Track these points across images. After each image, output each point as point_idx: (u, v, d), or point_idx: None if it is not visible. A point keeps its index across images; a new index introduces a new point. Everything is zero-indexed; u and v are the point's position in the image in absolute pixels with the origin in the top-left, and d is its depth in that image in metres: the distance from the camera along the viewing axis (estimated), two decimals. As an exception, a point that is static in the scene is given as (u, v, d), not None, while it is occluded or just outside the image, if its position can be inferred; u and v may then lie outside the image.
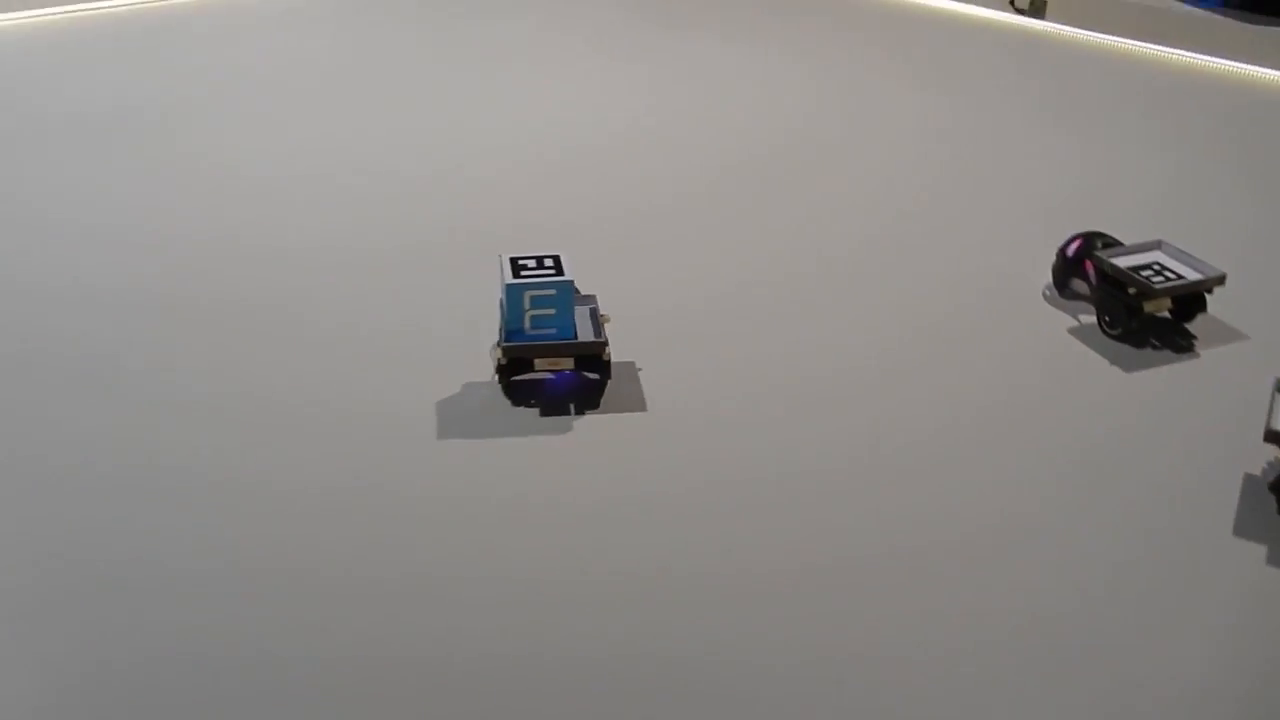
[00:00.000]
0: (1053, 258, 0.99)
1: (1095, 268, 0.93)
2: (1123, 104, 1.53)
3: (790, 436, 0.85)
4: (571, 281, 0.88)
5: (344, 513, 0.77)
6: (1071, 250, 0.96)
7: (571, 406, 0.90)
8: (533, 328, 0.87)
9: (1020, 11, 1.88)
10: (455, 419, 0.85)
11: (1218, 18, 1.76)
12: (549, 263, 0.88)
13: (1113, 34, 1.77)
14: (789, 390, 0.91)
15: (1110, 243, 0.96)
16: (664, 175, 1.28)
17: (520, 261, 0.89)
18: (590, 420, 0.88)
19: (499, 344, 0.88)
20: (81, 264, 1.01)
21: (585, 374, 0.91)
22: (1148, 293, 0.89)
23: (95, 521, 0.74)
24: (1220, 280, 0.91)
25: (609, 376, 0.91)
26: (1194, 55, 1.69)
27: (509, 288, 0.86)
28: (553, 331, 0.88)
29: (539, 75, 1.57)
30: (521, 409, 0.88)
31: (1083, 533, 0.73)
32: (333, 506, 0.77)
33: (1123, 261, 0.92)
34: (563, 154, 1.32)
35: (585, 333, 0.90)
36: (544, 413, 0.89)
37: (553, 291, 0.86)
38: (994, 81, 1.65)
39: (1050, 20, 1.84)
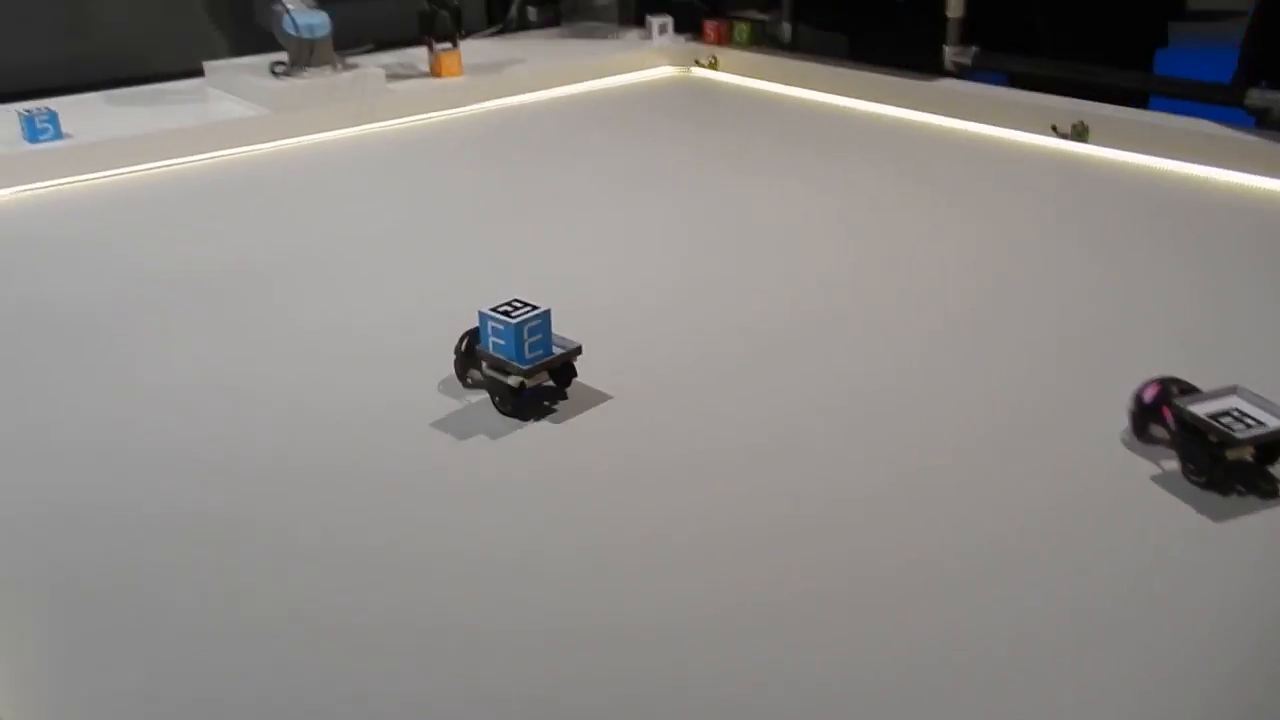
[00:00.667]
0: (1126, 399, 1.01)
1: (1174, 415, 0.94)
2: (1181, 230, 1.56)
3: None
4: (549, 309, 1.04)
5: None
6: (1148, 397, 0.98)
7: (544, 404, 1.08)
8: (530, 354, 1.04)
9: (1063, 136, 1.92)
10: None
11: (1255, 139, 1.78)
12: (518, 303, 1.04)
13: (1156, 155, 1.81)
14: (841, 506, 0.92)
15: (1186, 388, 0.98)
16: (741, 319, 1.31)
17: (502, 309, 1.04)
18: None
19: (508, 375, 1.04)
20: (203, 428, 1.05)
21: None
22: (1230, 441, 0.90)
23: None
24: (1301, 425, 0.92)
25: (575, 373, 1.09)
26: (1240, 174, 1.73)
27: (514, 328, 1.02)
28: (541, 353, 1.04)
29: (611, 218, 1.63)
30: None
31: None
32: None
33: (1201, 409, 0.93)
34: (639, 297, 1.36)
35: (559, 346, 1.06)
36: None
37: (539, 320, 1.03)
38: (1040, 207, 1.69)
39: (1094, 144, 1.89)
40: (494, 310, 1.03)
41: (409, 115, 2.17)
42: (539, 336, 1.05)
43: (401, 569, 0.87)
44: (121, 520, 0.94)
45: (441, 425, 1.06)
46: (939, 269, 1.43)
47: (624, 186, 1.81)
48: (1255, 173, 1.69)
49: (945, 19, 2.14)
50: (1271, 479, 0.93)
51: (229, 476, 0.99)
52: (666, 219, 1.65)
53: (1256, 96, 1.86)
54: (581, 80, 2.40)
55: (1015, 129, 1.97)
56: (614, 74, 2.44)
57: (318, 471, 1.00)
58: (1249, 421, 0.92)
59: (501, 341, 1.04)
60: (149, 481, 0.99)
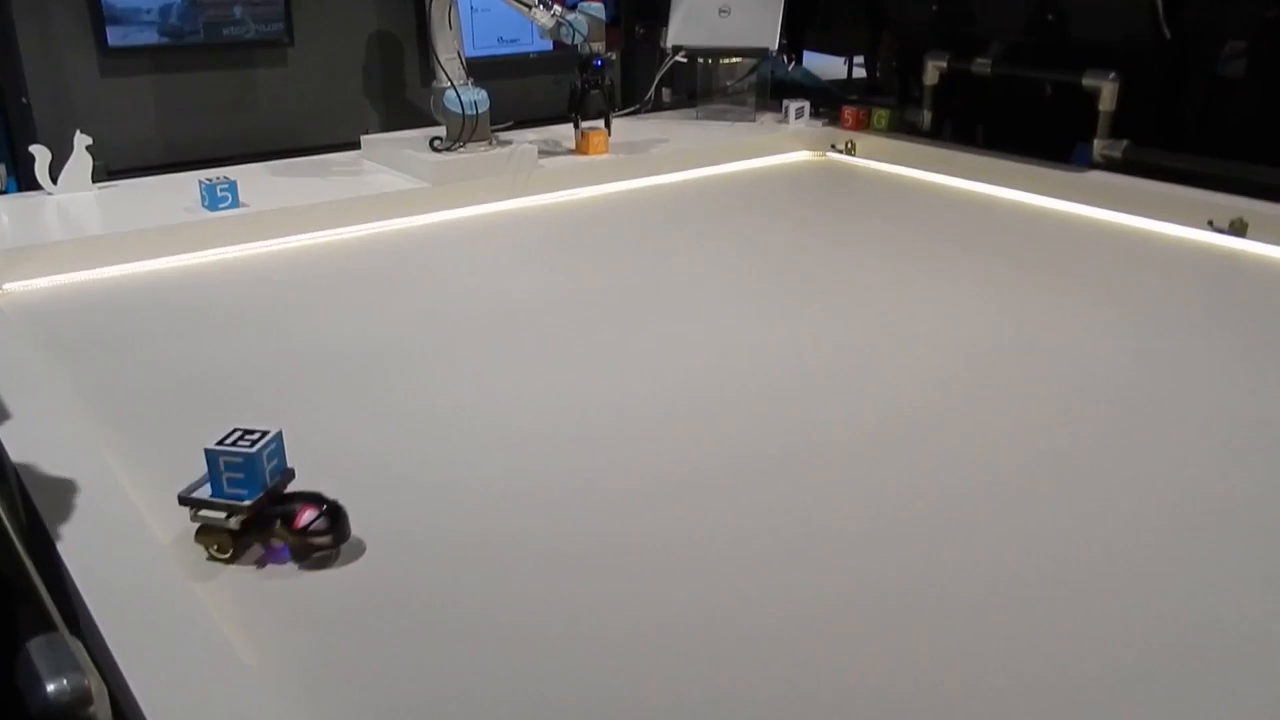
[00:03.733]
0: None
1: None
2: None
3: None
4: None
5: None
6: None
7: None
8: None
9: (1220, 231, 1.91)
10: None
11: None
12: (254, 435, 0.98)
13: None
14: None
15: None
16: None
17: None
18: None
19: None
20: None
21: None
22: None
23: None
24: None
25: None
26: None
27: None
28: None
29: (746, 306, 1.65)
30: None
31: None
32: None
33: None
34: (783, 382, 1.36)
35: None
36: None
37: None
38: (1195, 303, 1.67)
39: (1252, 239, 1.87)
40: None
41: (556, 191, 2.24)
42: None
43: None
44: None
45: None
46: (1087, 364, 1.42)
47: (761, 270, 1.84)
48: None
49: (1091, 111, 2.15)
50: None
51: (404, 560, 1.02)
52: (799, 308, 1.67)
53: None
54: (720, 162, 2.45)
55: (1168, 222, 1.95)
56: (752, 157, 2.49)
57: (504, 549, 1.03)
58: None
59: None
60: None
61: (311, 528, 0.97)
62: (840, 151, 2.51)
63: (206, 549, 0.99)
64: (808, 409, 1.30)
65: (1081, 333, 1.52)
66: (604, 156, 2.32)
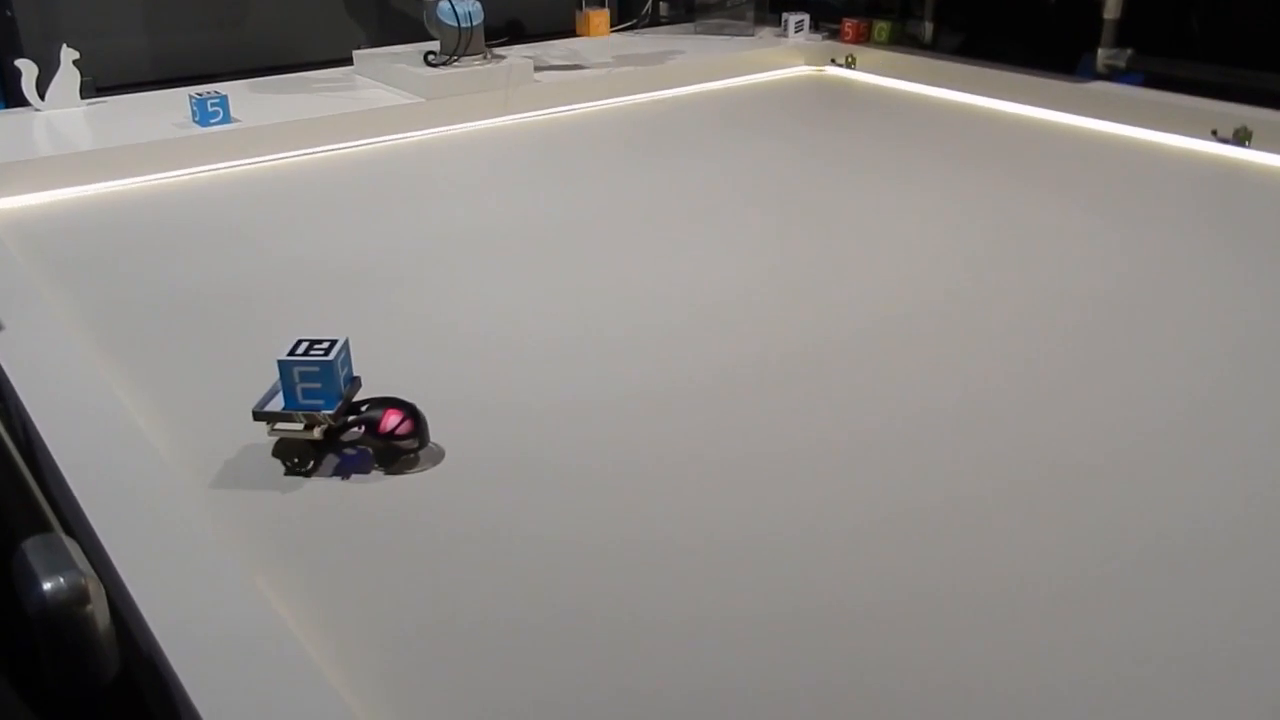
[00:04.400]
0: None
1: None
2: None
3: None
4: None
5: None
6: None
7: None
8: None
9: (1224, 141, 1.88)
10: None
11: None
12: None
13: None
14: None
15: None
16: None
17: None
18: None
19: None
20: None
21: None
22: None
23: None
24: None
25: None
26: None
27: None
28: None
29: (740, 220, 1.64)
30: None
31: None
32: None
33: None
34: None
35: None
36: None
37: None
38: (1198, 213, 1.65)
39: (1256, 148, 1.85)
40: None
41: (551, 107, 2.21)
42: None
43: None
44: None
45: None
46: (1078, 274, 1.41)
47: (752, 187, 1.82)
48: None
49: (1095, 20, 2.11)
50: None
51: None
52: (789, 223, 1.66)
53: None
54: (717, 78, 2.41)
55: (1171, 133, 1.93)
56: (750, 72, 2.45)
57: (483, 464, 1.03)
58: None
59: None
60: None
61: (398, 431, 0.95)
62: (840, 65, 2.47)
63: (285, 463, 0.97)
64: (798, 319, 1.30)
65: (1075, 243, 1.51)
66: (601, 72, 2.29)
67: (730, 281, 1.41)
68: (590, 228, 1.61)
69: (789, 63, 2.51)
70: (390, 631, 0.79)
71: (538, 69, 2.27)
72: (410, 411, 0.96)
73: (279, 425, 0.95)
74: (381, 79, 2.23)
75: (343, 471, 0.97)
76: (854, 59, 2.45)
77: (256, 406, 0.96)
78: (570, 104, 2.23)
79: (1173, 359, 1.18)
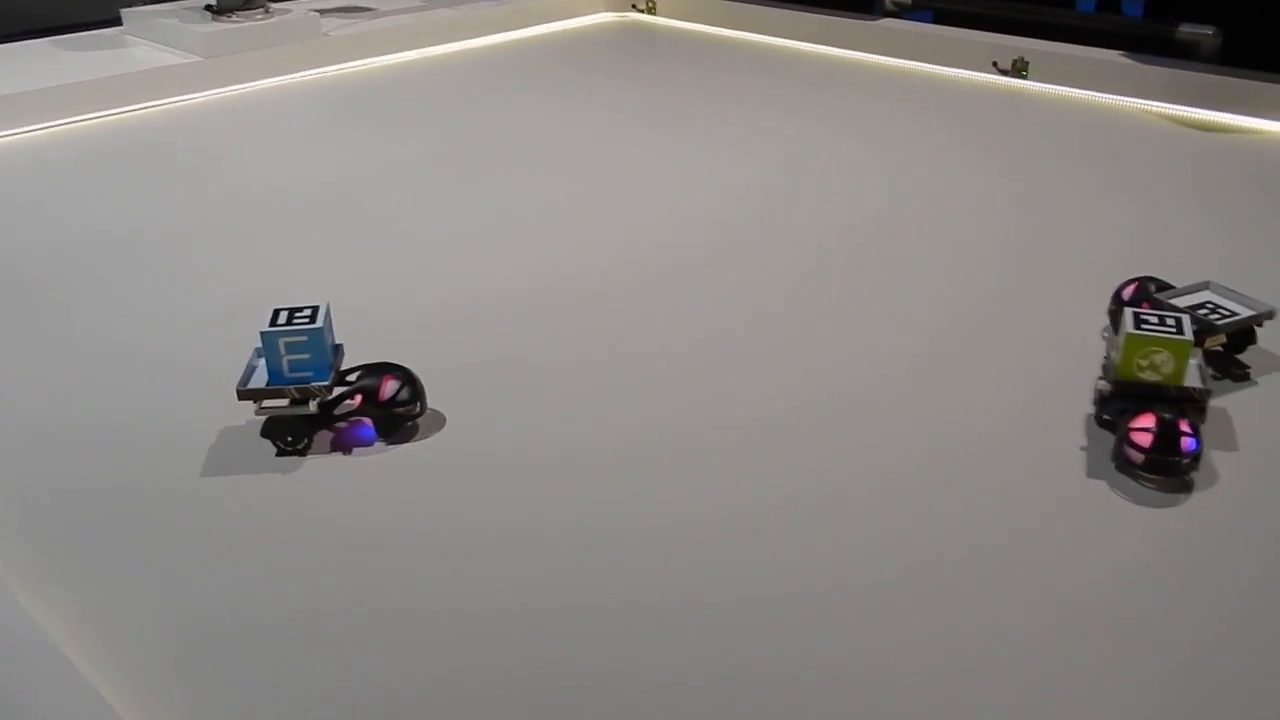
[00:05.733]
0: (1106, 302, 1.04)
1: (1154, 309, 0.97)
2: (1122, 158, 1.60)
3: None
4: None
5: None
6: (1127, 294, 1.01)
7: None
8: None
9: (1004, 73, 1.95)
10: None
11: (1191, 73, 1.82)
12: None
13: (1092, 89, 1.85)
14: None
15: (1161, 285, 1.00)
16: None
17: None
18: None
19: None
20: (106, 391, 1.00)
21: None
22: (1209, 329, 0.93)
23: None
24: (1270, 315, 0.95)
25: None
26: (1174, 106, 1.78)
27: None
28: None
29: (554, 163, 1.61)
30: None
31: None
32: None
33: (1179, 302, 0.96)
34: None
35: None
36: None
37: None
38: (982, 140, 1.71)
39: (1033, 79, 1.93)
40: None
41: (343, 62, 2.11)
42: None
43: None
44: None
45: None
46: (854, 202, 1.45)
47: (550, 134, 1.79)
48: (1189, 104, 1.75)
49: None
50: (1242, 364, 0.96)
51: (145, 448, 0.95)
52: (581, 165, 1.64)
53: (1185, 31, 1.91)
54: (517, 27, 2.36)
55: (957, 67, 1.99)
56: (553, 20, 2.40)
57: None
58: (1222, 312, 0.95)
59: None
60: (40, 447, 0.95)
61: (398, 398, 0.88)
62: (640, 10, 2.45)
63: (276, 443, 0.87)
64: (569, 250, 1.30)
65: (853, 175, 1.54)
66: (392, 23, 2.20)
67: (505, 226, 1.39)
68: (386, 184, 1.55)
69: (589, 9, 2.47)
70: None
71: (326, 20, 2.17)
72: (407, 376, 0.89)
73: (267, 403, 0.86)
74: (155, 38, 2.08)
75: (344, 447, 0.89)
76: (654, 4, 2.43)
77: (239, 384, 0.86)
78: (361, 58, 2.14)
79: (936, 276, 1.22)
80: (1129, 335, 0.84)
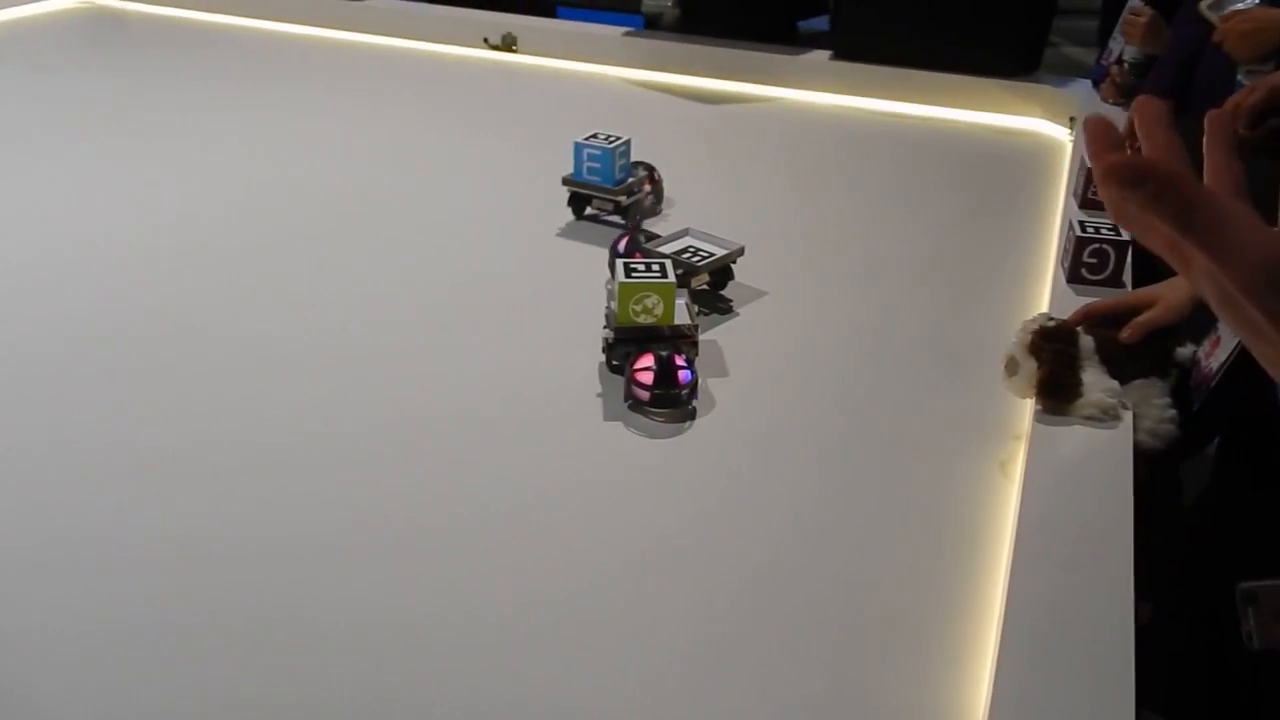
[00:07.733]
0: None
1: (643, 259, 1.05)
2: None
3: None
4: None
5: None
6: (622, 246, 1.08)
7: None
8: None
9: (495, 48, 2.02)
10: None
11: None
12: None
13: (576, 60, 1.96)
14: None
15: (650, 235, 1.09)
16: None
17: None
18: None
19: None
20: None
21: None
22: (693, 270, 1.03)
23: None
24: (740, 252, 1.07)
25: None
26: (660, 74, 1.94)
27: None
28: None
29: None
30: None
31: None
32: None
33: (666, 249, 1.05)
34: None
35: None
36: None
37: None
38: (478, 112, 1.75)
39: (522, 52, 2.01)
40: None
41: None
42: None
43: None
44: None
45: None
46: (333, 180, 1.45)
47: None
48: (675, 72, 1.91)
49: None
50: (725, 299, 1.08)
51: None
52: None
53: (650, 4, 2.09)
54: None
55: (449, 44, 2.02)
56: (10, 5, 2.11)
57: None
58: (703, 254, 1.05)
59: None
60: None
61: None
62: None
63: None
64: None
65: (336, 154, 1.53)
66: None
67: None
68: None
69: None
70: None
71: None
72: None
73: None
74: None
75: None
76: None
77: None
78: None
79: (433, 251, 1.24)
80: (621, 284, 0.91)
